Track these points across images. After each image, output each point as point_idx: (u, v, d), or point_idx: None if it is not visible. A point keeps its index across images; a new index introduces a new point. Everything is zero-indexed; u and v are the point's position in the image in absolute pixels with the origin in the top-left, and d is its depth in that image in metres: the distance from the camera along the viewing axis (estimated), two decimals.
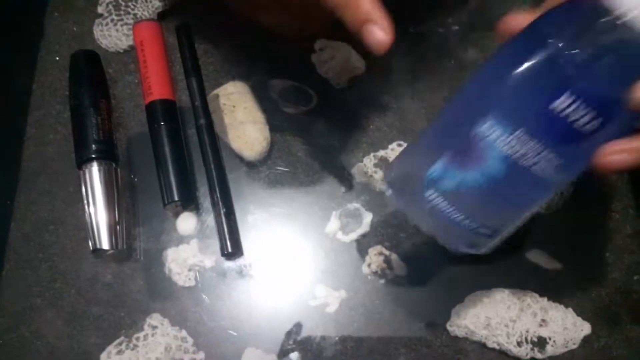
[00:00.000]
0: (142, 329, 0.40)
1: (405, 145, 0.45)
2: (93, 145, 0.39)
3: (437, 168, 0.29)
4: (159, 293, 0.41)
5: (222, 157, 0.42)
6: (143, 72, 0.42)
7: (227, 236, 0.39)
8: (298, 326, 0.40)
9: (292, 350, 0.39)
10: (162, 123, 0.40)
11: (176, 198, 0.39)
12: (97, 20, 0.48)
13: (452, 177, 0.28)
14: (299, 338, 0.40)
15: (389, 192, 0.32)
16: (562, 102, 0.23)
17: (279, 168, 0.44)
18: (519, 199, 0.29)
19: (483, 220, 0.30)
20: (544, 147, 0.25)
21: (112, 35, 0.47)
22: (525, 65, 0.25)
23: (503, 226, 0.31)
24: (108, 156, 0.39)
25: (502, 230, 0.31)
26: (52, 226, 0.43)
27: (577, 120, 0.24)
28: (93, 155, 0.38)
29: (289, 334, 0.40)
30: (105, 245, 0.38)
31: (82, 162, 0.39)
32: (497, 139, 0.26)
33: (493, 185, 0.27)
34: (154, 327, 0.40)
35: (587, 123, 0.24)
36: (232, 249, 0.39)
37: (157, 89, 0.41)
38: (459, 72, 0.48)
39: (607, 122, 0.24)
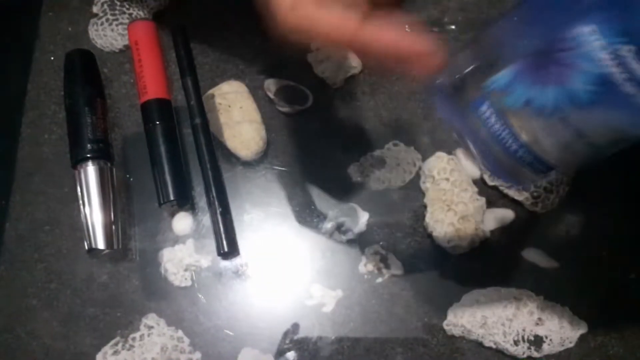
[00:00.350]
0: (138, 329, 0.40)
1: (400, 144, 0.45)
2: (88, 145, 0.38)
3: (501, 77, 0.23)
4: (155, 293, 0.41)
5: (217, 156, 0.42)
6: (138, 72, 0.42)
7: (223, 236, 0.39)
8: (294, 326, 0.40)
9: (289, 350, 0.39)
10: (157, 122, 0.40)
11: (172, 197, 0.39)
12: (92, 20, 0.48)
13: (519, 91, 0.23)
14: (295, 338, 0.40)
15: (434, 98, 0.27)
16: None
17: (275, 167, 0.44)
18: (599, 136, 0.23)
19: (542, 153, 0.24)
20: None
21: (107, 35, 0.47)
22: None
23: (564, 165, 0.25)
24: (103, 155, 0.39)
25: (560, 169, 0.25)
26: (47, 226, 0.42)
27: None
28: (88, 155, 0.38)
29: (285, 333, 0.40)
30: (100, 245, 0.37)
31: (77, 161, 0.39)
32: (598, 50, 0.20)
33: (572, 111, 0.21)
34: (150, 327, 0.40)
35: None
36: (229, 248, 0.39)
37: (152, 88, 0.41)
38: None
39: None
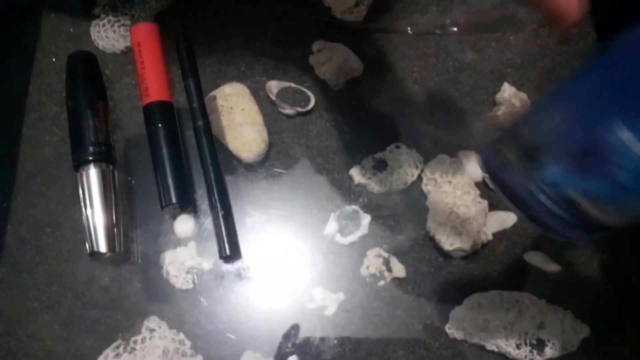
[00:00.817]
0: (139, 332, 0.40)
1: (402, 147, 0.45)
2: (90, 148, 0.38)
3: (551, 173, 0.24)
4: (157, 296, 0.41)
5: (220, 158, 0.42)
6: (140, 74, 0.42)
7: (225, 239, 0.39)
8: (296, 329, 0.40)
9: (291, 354, 0.39)
10: (159, 125, 0.40)
11: (174, 200, 0.39)
12: (94, 22, 0.48)
13: (573, 186, 0.23)
14: (297, 341, 0.40)
15: (484, 174, 0.27)
16: None
17: (277, 170, 0.44)
18: None
19: (601, 221, 0.25)
20: None
21: (109, 37, 0.47)
22: None
23: (624, 223, 0.26)
24: (105, 158, 0.39)
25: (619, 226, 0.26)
26: (48, 229, 0.42)
27: None
28: (90, 158, 0.38)
29: (287, 336, 0.40)
30: (102, 248, 0.37)
31: (79, 164, 0.39)
32: (631, 146, 0.20)
33: (619, 197, 0.22)
34: (152, 330, 0.40)
35: None
36: (231, 252, 0.39)
37: (155, 90, 0.41)
38: (458, 74, 0.47)
39: None
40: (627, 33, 0.21)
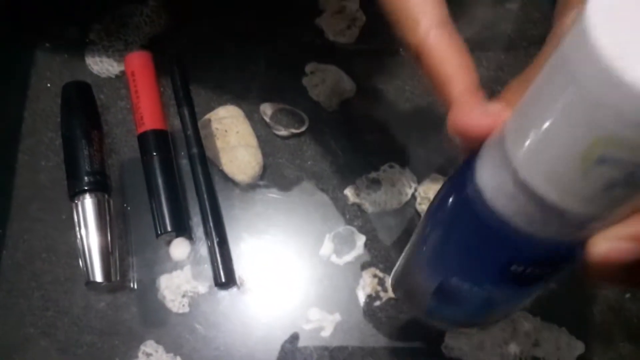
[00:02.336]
0: (136, 357, 0.40)
1: (396, 166, 0.45)
2: (85, 177, 0.38)
3: (431, 303, 0.29)
4: (153, 320, 0.41)
5: (214, 185, 0.42)
6: (135, 103, 0.42)
7: (220, 266, 0.39)
8: (293, 350, 0.40)
9: None
10: (154, 153, 0.40)
11: (169, 229, 0.39)
12: (89, 47, 0.48)
13: (441, 311, 0.29)
14: None
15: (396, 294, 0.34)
16: (519, 268, 0.22)
17: (272, 195, 0.44)
18: (507, 308, 0.29)
19: (483, 320, 0.31)
20: (514, 291, 0.24)
21: (103, 62, 0.47)
22: (467, 240, 0.23)
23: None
24: (100, 187, 0.39)
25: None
26: (44, 254, 0.42)
27: (532, 272, 0.22)
28: (85, 187, 0.38)
29: (284, 357, 0.40)
30: (98, 278, 0.37)
31: (75, 194, 0.39)
32: (469, 290, 0.25)
33: (482, 309, 0.27)
34: (149, 355, 0.40)
35: (541, 273, 0.22)
36: (226, 278, 0.39)
37: (149, 119, 0.41)
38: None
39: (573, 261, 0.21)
40: (440, 204, 0.24)
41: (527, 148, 0.17)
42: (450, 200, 0.23)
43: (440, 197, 0.24)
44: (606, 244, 0.19)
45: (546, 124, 0.16)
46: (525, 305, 0.33)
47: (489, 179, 0.20)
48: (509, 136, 0.18)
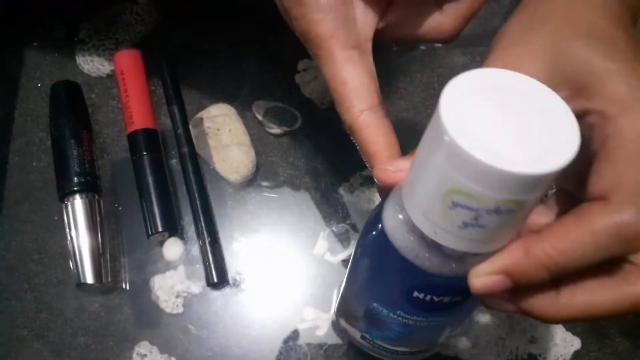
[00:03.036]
0: (130, 358, 0.39)
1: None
2: (75, 178, 0.38)
3: (362, 327, 0.34)
4: (147, 321, 0.41)
5: (206, 184, 0.42)
6: (124, 102, 0.42)
7: (212, 266, 0.39)
8: (288, 350, 0.40)
9: None
10: (144, 153, 0.40)
11: (160, 229, 0.39)
12: (79, 46, 0.48)
13: (373, 333, 0.33)
14: None
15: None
16: (421, 297, 0.26)
17: (264, 194, 0.44)
18: (443, 330, 0.32)
19: (424, 347, 0.34)
20: (425, 318, 0.28)
21: (94, 61, 0.47)
22: (379, 271, 0.28)
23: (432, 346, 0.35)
24: (90, 188, 0.39)
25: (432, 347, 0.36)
26: (36, 255, 0.42)
27: (440, 299, 0.26)
28: (75, 188, 0.38)
29: (279, 357, 0.40)
30: (89, 279, 0.37)
31: (64, 194, 0.38)
32: (387, 315, 0.29)
33: (410, 335, 0.31)
34: (143, 356, 0.39)
35: (449, 298, 0.26)
36: (218, 278, 0.39)
37: (139, 118, 0.41)
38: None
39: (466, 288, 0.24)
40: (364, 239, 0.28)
41: (411, 193, 0.22)
42: (368, 233, 0.27)
43: (363, 230, 0.28)
44: (479, 280, 0.22)
45: (421, 175, 0.21)
46: (451, 333, 0.34)
47: (390, 218, 0.24)
48: (404, 185, 0.23)
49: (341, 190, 0.44)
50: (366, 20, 0.29)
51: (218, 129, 0.44)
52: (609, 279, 0.21)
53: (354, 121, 0.28)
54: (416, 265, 0.24)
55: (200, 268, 0.41)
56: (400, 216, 0.24)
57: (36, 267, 0.42)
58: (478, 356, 0.39)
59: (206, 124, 0.45)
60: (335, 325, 0.40)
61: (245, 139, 0.45)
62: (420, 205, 0.21)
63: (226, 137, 0.44)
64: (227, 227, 0.43)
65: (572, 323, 0.22)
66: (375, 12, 0.29)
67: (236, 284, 0.41)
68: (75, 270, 0.38)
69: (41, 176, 0.44)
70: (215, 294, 0.41)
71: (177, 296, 0.41)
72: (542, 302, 0.22)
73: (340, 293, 0.36)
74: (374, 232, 0.26)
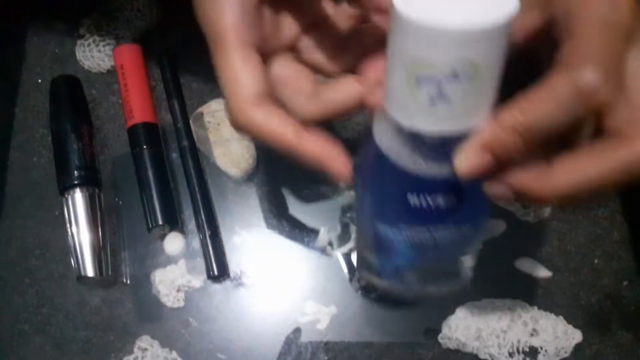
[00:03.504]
0: (131, 352, 0.39)
1: None
2: (75, 172, 0.38)
3: (375, 263, 0.34)
4: (148, 315, 0.41)
5: (206, 176, 0.42)
6: (124, 96, 0.42)
7: (212, 259, 0.39)
8: (289, 343, 0.40)
9: None
10: (144, 147, 0.40)
11: (160, 222, 0.39)
12: (79, 42, 0.48)
13: (387, 266, 0.33)
14: (289, 358, 0.40)
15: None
16: (417, 202, 0.26)
17: (265, 188, 0.44)
18: (453, 251, 0.32)
19: (435, 278, 0.35)
20: (427, 228, 0.28)
21: (94, 57, 0.47)
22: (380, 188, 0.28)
23: (458, 270, 0.35)
24: (91, 182, 0.39)
25: (459, 273, 0.35)
26: (38, 251, 0.42)
27: (435, 202, 0.26)
28: (75, 182, 0.38)
29: (279, 352, 0.40)
30: (90, 273, 0.37)
31: (65, 188, 0.38)
32: (392, 233, 0.29)
33: (419, 259, 0.31)
34: (144, 350, 0.39)
35: (447, 201, 0.26)
36: (219, 271, 0.39)
37: (139, 112, 0.41)
38: None
39: (464, 191, 0.26)
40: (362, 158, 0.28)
41: (386, 91, 0.23)
42: (362, 150, 0.28)
43: (359, 154, 0.28)
44: (462, 163, 0.23)
45: (389, 70, 0.22)
46: (465, 260, 0.34)
47: (377, 128, 0.26)
48: (383, 92, 0.24)
49: (342, 184, 0.44)
50: (287, 29, 0.29)
51: (218, 124, 0.44)
52: (596, 150, 0.22)
53: (239, 117, 0.26)
54: (405, 168, 0.25)
55: (201, 262, 0.41)
56: (385, 124, 0.25)
57: (37, 262, 0.42)
58: (480, 349, 0.39)
59: (206, 118, 0.45)
60: (358, 284, 0.41)
61: None
62: (394, 97, 0.23)
63: (227, 131, 0.44)
64: (228, 221, 0.43)
65: (566, 203, 0.23)
66: (298, 23, 0.29)
67: (237, 278, 0.41)
68: (76, 264, 0.38)
69: (42, 172, 0.44)
70: (216, 288, 0.41)
71: (178, 290, 0.41)
72: (534, 178, 0.23)
73: (356, 240, 0.37)
74: (366, 147, 0.27)
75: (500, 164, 0.23)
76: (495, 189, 0.24)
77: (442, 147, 0.23)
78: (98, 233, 0.38)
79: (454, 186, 0.25)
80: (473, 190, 0.25)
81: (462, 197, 0.26)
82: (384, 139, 0.25)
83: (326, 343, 0.40)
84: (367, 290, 0.41)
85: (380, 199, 0.29)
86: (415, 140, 0.24)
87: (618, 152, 0.22)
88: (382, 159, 0.26)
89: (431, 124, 0.22)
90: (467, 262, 0.34)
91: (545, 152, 0.23)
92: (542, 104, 0.21)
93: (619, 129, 0.22)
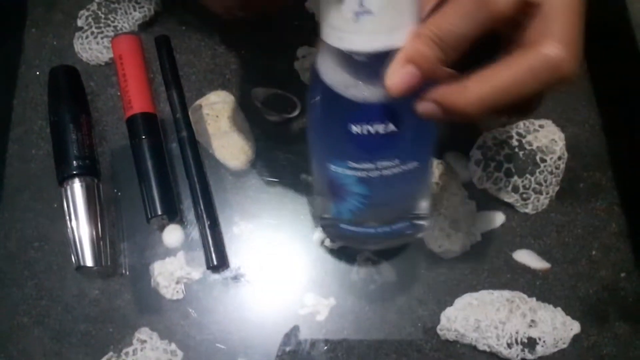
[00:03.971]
0: (131, 344, 0.39)
1: None
2: (74, 162, 0.38)
3: (331, 210, 0.35)
4: (147, 307, 0.41)
5: (205, 168, 0.42)
6: (123, 86, 0.42)
7: (212, 249, 0.39)
8: (288, 335, 0.40)
9: None
10: (143, 137, 0.40)
11: (159, 212, 0.39)
12: (77, 34, 0.48)
13: (343, 209, 0.34)
14: (288, 349, 0.40)
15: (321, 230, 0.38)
16: (360, 131, 0.28)
17: (264, 178, 0.44)
18: (403, 191, 0.33)
19: (390, 222, 0.35)
20: (373, 163, 0.30)
21: (92, 49, 0.47)
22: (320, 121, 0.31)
23: (412, 214, 0.36)
24: (89, 172, 0.39)
25: (414, 217, 0.36)
26: (36, 243, 0.42)
27: (376, 130, 0.28)
28: (74, 172, 0.38)
29: (279, 343, 0.40)
30: (89, 262, 0.37)
31: (63, 179, 0.38)
32: (343, 172, 0.31)
33: (371, 200, 0.32)
34: (143, 342, 0.40)
35: (387, 128, 0.28)
36: (218, 261, 0.39)
37: (137, 102, 0.41)
38: None
39: (402, 117, 0.28)
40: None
41: (320, 18, 0.25)
42: (311, 92, 0.30)
43: (309, 96, 0.30)
44: (391, 78, 0.25)
45: None
46: (417, 201, 0.35)
47: (319, 59, 0.28)
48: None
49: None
50: None
51: (217, 116, 0.44)
52: (507, 59, 0.25)
53: None
54: (347, 97, 0.27)
55: (200, 254, 0.41)
56: (326, 55, 0.27)
57: (36, 255, 0.42)
58: (478, 340, 0.39)
59: (205, 110, 0.45)
60: (324, 234, 0.41)
61: (245, 125, 0.45)
62: (324, 18, 0.25)
63: (225, 123, 0.44)
64: (227, 212, 0.43)
65: (487, 113, 0.24)
66: None
67: (236, 269, 0.41)
68: (75, 254, 0.38)
69: (41, 164, 0.44)
70: (215, 279, 0.41)
71: (177, 282, 0.41)
72: (453, 91, 0.25)
73: (314, 190, 0.38)
74: (313, 85, 0.29)
75: (426, 78, 0.25)
76: (423, 107, 0.26)
77: (376, 68, 0.25)
78: (97, 223, 0.38)
79: (393, 111, 0.27)
80: (412, 120, 0.27)
81: (402, 123, 0.28)
82: (327, 72, 0.27)
83: (325, 334, 0.40)
84: (366, 282, 0.41)
85: (329, 135, 0.31)
86: (352, 65, 0.26)
87: (526, 58, 0.24)
88: (327, 92, 0.28)
89: (360, 42, 0.24)
90: (422, 208, 0.35)
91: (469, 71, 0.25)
92: (449, 14, 0.24)
93: (531, 39, 0.24)
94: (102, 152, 0.43)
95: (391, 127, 0.28)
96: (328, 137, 0.31)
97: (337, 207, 0.34)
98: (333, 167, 0.31)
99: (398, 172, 0.30)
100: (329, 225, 0.37)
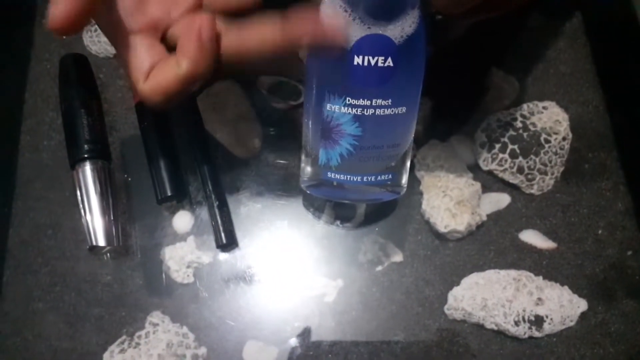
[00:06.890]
0: (143, 327, 0.40)
1: None
2: (85, 145, 0.39)
3: (320, 156, 0.36)
4: (159, 291, 0.41)
5: (214, 155, 0.43)
6: None
7: (221, 228, 0.40)
8: (297, 317, 0.41)
9: (292, 341, 0.40)
10: (152, 120, 0.41)
11: (169, 193, 0.39)
12: (86, 27, 0.49)
13: (333, 154, 0.36)
14: (298, 330, 0.40)
15: (308, 191, 0.39)
16: (361, 62, 0.31)
17: (270, 166, 0.45)
18: (390, 136, 0.35)
19: (377, 171, 0.37)
20: (369, 99, 0.33)
21: (101, 41, 0.48)
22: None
23: (396, 165, 0.37)
24: (101, 155, 0.40)
25: (399, 168, 0.38)
26: (49, 230, 0.43)
27: (379, 63, 0.31)
28: (85, 155, 0.39)
29: (288, 324, 0.40)
30: (101, 242, 0.38)
31: (75, 162, 0.39)
32: (339, 110, 0.33)
33: (361, 142, 0.34)
34: (155, 325, 0.40)
35: (386, 61, 0.31)
36: (227, 240, 0.40)
37: None
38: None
39: (398, 51, 0.31)
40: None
41: None
42: None
43: None
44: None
45: None
46: (397, 149, 0.37)
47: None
48: None
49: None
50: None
51: (223, 104, 0.45)
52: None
53: None
54: (349, 28, 0.30)
55: (209, 239, 0.42)
56: None
57: (49, 242, 0.43)
58: (485, 318, 0.40)
59: (211, 98, 0.45)
60: (309, 194, 0.41)
61: (251, 113, 0.45)
62: None
63: (231, 111, 0.45)
64: (235, 197, 0.43)
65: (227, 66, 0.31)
66: None
67: (245, 250, 0.42)
68: (87, 234, 0.38)
69: (53, 154, 0.45)
70: (225, 263, 0.42)
71: (188, 266, 0.41)
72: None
73: (302, 143, 0.39)
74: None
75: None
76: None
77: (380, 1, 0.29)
78: (108, 204, 0.39)
79: (392, 45, 0.30)
80: (406, 58, 0.31)
81: (399, 60, 0.31)
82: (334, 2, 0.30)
83: (333, 316, 0.41)
84: (374, 263, 0.42)
85: (329, 70, 0.33)
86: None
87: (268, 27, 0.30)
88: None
89: None
90: (404, 163, 0.38)
91: None
92: None
93: None
94: (112, 142, 0.44)
95: (389, 61, 0.31)
96: (329, 73, 0.33)
97: (327, 153, 0.36)
98: (329, 106, 0.34)
99: (389, 114, 0.33)
100: (313, 181, 0.38)
